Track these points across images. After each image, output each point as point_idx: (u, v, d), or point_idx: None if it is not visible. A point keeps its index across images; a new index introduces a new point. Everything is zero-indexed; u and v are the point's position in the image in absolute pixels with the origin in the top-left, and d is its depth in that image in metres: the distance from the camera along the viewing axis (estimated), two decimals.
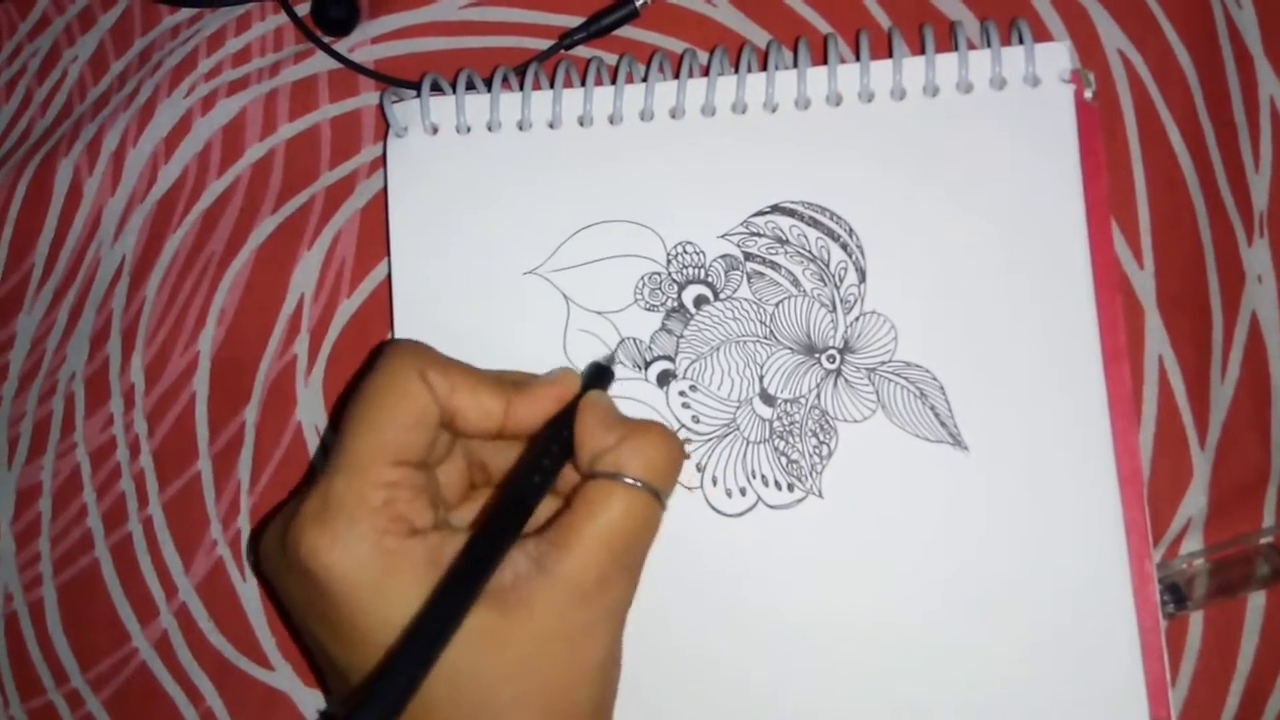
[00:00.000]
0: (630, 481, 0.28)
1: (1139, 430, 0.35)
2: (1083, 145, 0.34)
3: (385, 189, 0.38)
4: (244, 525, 0.39)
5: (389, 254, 0.37)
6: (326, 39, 0.40)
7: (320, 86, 0.40)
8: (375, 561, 0.27)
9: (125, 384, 0.40)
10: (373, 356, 0.35)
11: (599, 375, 0.33)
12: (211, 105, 0.40)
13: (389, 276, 0.37)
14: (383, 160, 0.39)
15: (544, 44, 0.40)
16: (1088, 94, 0.35)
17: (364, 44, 0.41)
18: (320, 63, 0.41)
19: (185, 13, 0.42)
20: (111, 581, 0.39)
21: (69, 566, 0.39)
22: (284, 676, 0.38)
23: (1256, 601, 0.34)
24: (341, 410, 0.31)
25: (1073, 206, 0.34)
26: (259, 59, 0.41)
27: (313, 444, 0.39)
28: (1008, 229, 0.34)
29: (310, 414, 0.39)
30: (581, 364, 0.36)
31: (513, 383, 0.31)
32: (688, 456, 0.34)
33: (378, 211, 0.39)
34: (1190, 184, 0.36)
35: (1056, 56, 0.35)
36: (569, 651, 0.28)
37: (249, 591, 0.38)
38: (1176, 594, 0.33)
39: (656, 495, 0.29)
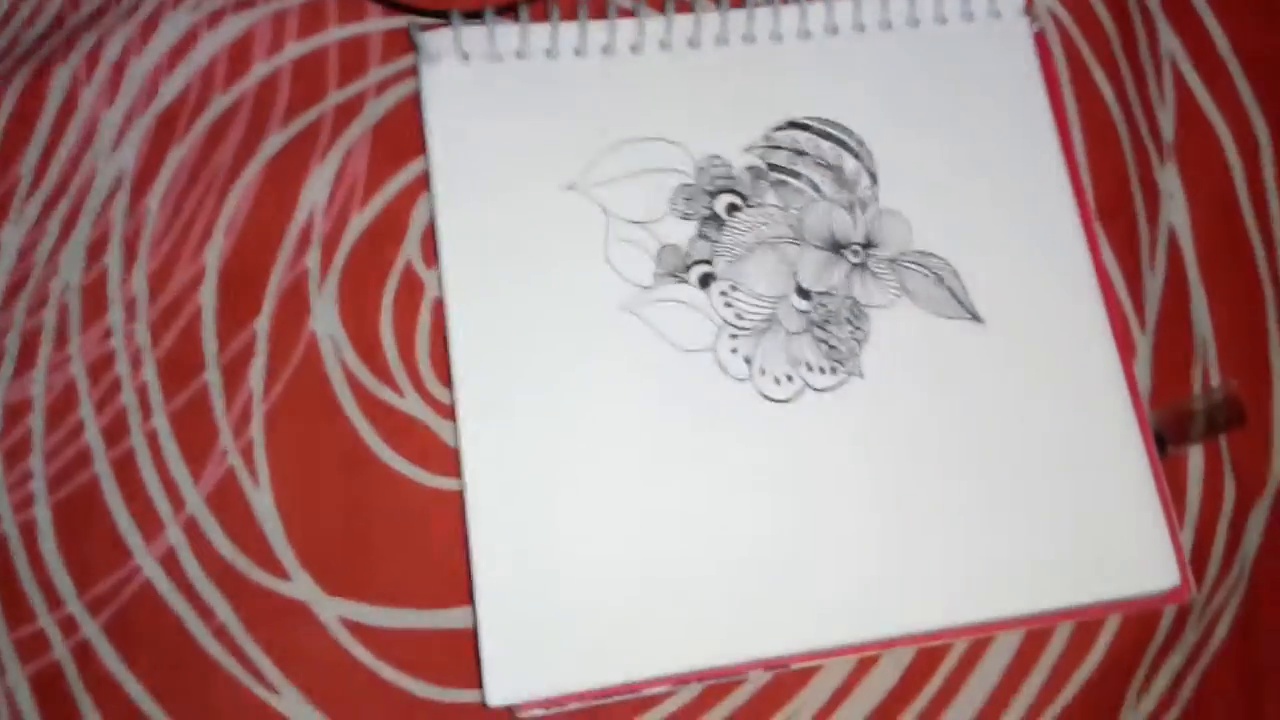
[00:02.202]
0: None
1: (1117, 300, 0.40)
2: (1042, 63, 0.41)
3: (418, 102, 0.39)
4: (256, 434, 0.38)
5: (430, 175, 0.38)
6: None
7: (329, 9, 0.41)
8: None
9: (127, 295, 0.39)
10: None
11: None
12: (218, 22, 0.41)
13: (431, 196, 0.38)
14: (394, 83, 0.40)
15: None
16: (1035, 27, 0.41)
17: None
18: None
19: None
20: (113, 498, 0.37)
21: (64, 484, 0.37)
22: (302, 585, 0.37)
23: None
24: None
25: (1042, 109, 0.40)
26: None
27: (328, 352, 0.39)
28: (991, 132, 0.40)
29: (325, 324, 0.39)
30: (626, 272, 0.38)
31: None
32: None
33: (388, 130, 0.41)
34: (1114, 115, 0.43)
35: None
36: None
37: (263, 499, 0.38)
38: (1159, 441, 0.38)
39: None
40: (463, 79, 0.39)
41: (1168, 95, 0.44)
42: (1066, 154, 0.41)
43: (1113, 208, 0.42)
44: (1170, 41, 0.45)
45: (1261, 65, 0.44)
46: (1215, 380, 0.41)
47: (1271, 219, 0.43)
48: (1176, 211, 0.43)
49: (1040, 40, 0.42)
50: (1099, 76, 0.43)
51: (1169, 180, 0.43)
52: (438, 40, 0.39)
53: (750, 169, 0.40)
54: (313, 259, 0.40)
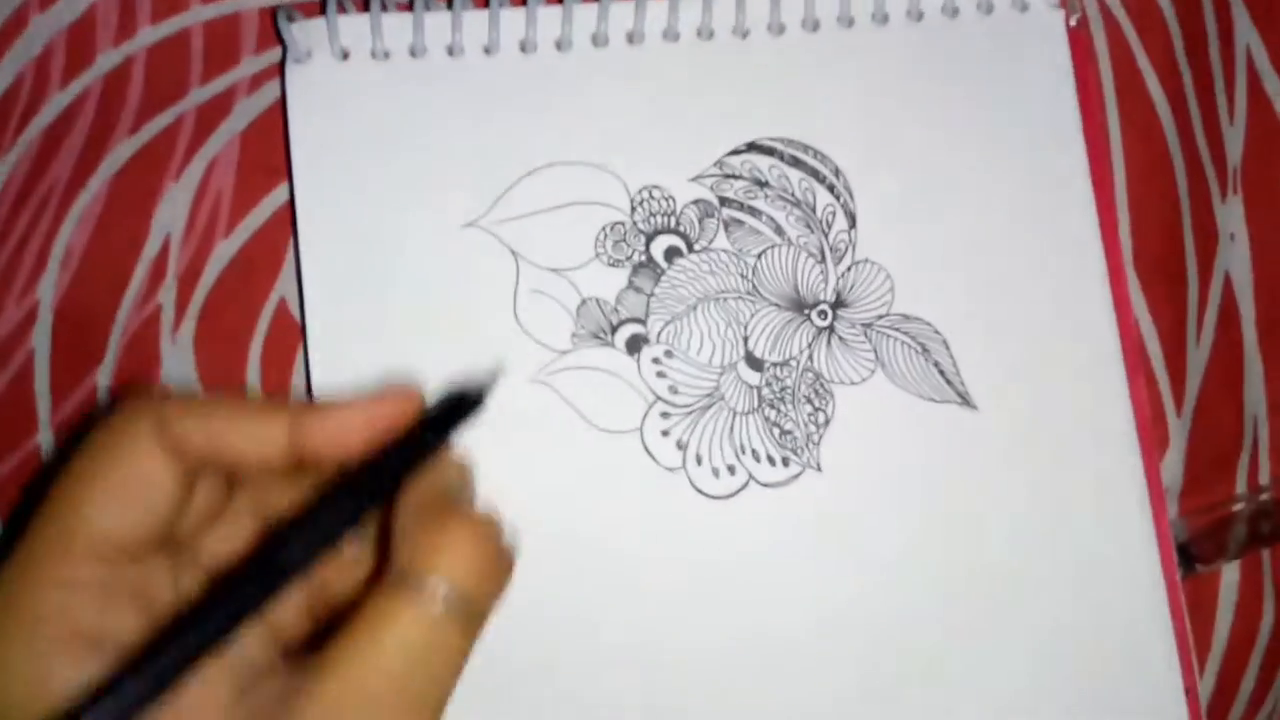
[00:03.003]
0: (438, 593, 0.22)
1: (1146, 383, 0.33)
2: (1077, 70, 0.32)
3: (283, 112, 0.32)
4: None
5: (293, 205, 0.31)
6: None
7: None
8: (37, 687, 0.21)
9: None
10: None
11: (456, 408, 0.24)
12: (52, 1, 0.33)
13: (294, 232, 0.31)
14: (270, 78, 0.33)
15: None
16: (1072, 20, 0.32)
17: None
18: None
19: None
20: None
21: None
22: None
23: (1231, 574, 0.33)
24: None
25: (1072, 133, 0.32)
26: None
27: None
28: (1006, 162, 0.32)
29: (179, 375, 0.33)
30: (536, 332, 0.31)
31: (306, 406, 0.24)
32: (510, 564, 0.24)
33: (260, 137, 0.33)
34: (1169, 135, 0.34)
35: None
36: None
37: None
38: (1184, 555, 0.31)
39: (470, 615, 0.22)
40: (339, 83, 0.32)
41: (1239, 107, 0.35)
42: (1100, 188, 0.32)
43: (1156, 255, 0.34)
44: (1248, 36, 0.35)
45: None
46: (1264, 477, 0.33)
47: None
48: (1236, 258, 0.34)
49: (1078, 37, 0.33)
50: (1151, 82, 0.35)
51: (1231, 218, 0.35)
52: (309, 33, 0.32)
53: (697, 203, 0.32)
54: (166, 296, 0.33)
